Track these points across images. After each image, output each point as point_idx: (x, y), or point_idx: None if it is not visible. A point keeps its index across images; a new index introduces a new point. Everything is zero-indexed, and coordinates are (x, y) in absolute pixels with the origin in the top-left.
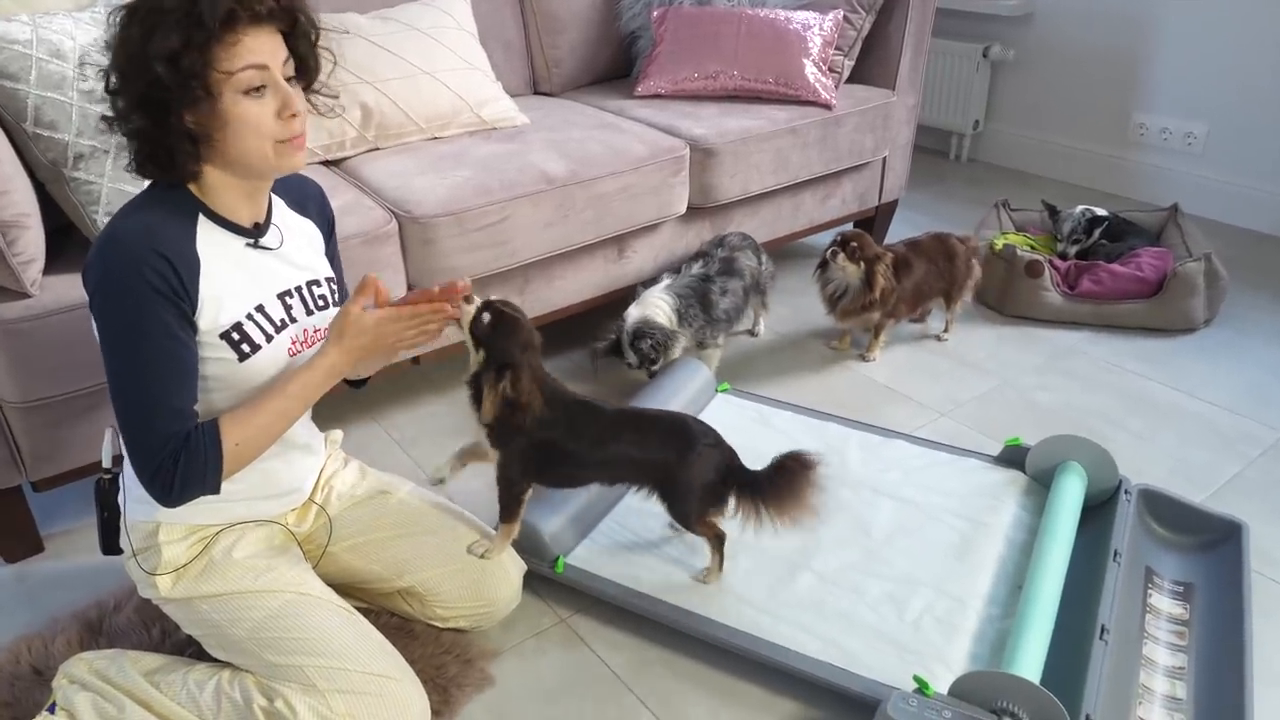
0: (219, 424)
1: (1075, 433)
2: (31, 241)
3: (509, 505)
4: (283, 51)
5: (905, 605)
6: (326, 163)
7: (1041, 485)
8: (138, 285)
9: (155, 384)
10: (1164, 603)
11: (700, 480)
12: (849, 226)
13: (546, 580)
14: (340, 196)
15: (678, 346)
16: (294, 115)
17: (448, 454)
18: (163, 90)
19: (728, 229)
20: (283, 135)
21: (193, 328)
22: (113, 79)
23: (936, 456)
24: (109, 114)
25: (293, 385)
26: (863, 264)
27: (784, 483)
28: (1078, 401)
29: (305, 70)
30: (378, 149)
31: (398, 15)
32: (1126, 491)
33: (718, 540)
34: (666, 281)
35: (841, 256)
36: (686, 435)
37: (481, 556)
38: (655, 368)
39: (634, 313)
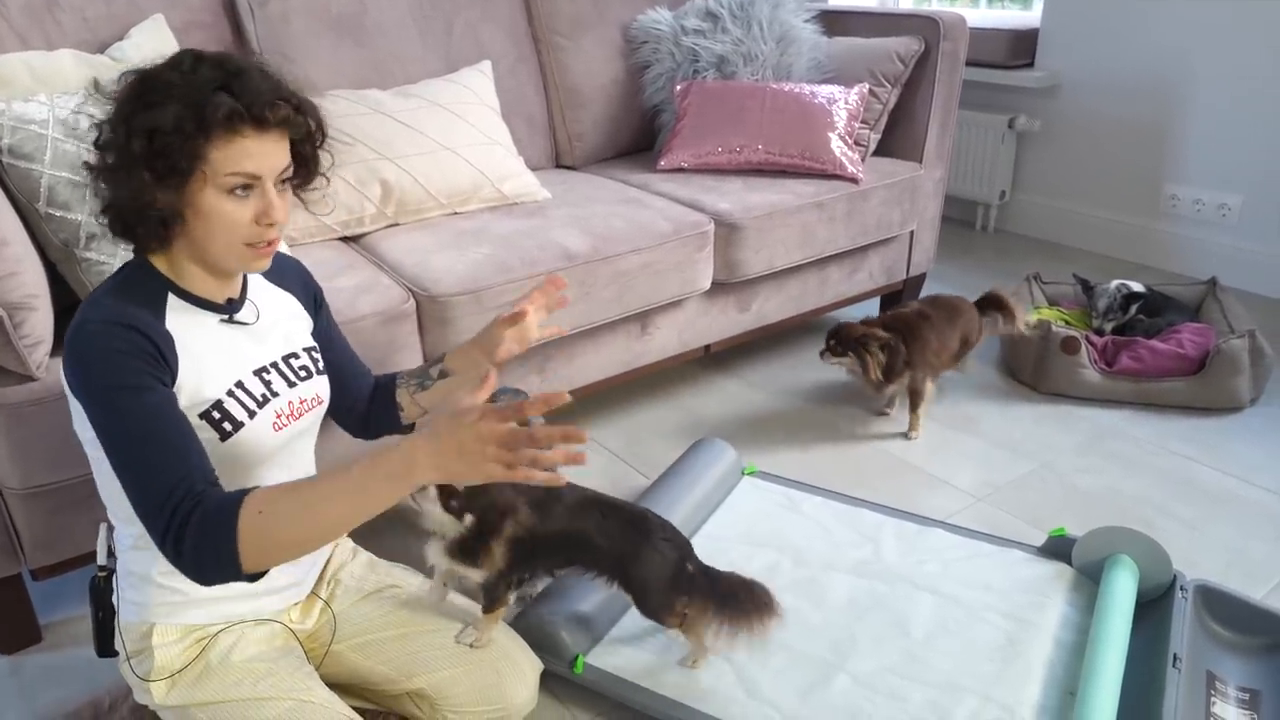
0: (247, 489)
1: (1121, 520)
2: (39, 323)
3: (494, 600)
4: (284, 158)
5: (950, 715)
6: (345, 239)
7: (1090, 579)
8: (110, 354)
9: (152, 441)
10: (1230, 711)
11: (654, 575)
12: (874, 301)
13: (565, 681)
14: (358, 274)
15: None
16: (271, 224)
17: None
18: (142, 164)
19: (751, 305)
20: (254, 240)
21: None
22: (104, 134)
23: (978, 547)
24: (91, 162)
25: (353, 470)
26: (850, 354)
27: (731, 609)
28: (1122, 486)
29: (305, 173)
30: (397, 225)
31: (420, 91)
32: (1182, 588)
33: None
34: None
35: (828, 355)
36: (644, 529)
37: (471, 645)
38: None
39: None
